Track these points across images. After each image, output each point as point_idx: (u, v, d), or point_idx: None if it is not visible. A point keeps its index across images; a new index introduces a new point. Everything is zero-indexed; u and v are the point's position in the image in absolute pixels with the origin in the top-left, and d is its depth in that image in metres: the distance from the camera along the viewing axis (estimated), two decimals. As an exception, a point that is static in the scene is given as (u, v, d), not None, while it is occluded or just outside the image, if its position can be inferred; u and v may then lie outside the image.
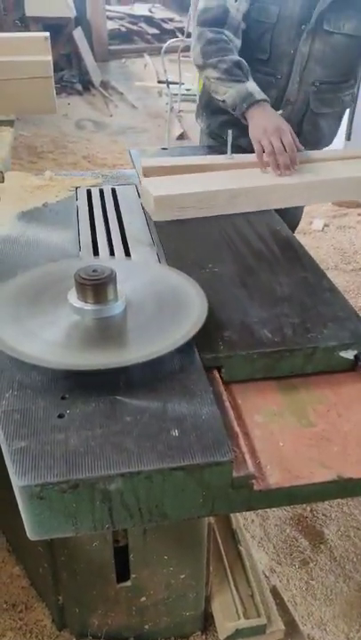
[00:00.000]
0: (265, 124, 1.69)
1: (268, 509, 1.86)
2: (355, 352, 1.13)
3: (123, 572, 1.36)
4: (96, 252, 1.46)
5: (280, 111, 1.82)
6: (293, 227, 2.22)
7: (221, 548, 1.54)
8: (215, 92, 1.80)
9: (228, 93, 1.75)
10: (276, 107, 1.87)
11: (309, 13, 1.75)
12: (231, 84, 1.74)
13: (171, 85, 4.79)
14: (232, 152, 1.76)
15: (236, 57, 1.75)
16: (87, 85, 6.63)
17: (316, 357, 1.12)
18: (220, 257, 1.40)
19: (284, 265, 1.38)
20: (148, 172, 1.67)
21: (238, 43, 1.80)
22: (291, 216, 1.70)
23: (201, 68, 1.81)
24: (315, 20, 1.75)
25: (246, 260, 1.40)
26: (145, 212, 1.66)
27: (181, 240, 1.48)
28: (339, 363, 1.13)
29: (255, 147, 1.69)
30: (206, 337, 1.10)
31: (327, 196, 1.83)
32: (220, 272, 1.34)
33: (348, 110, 2.15)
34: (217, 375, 1.09)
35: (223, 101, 1.78)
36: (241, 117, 1.75)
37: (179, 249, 1.43)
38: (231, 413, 1.01)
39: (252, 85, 1.74)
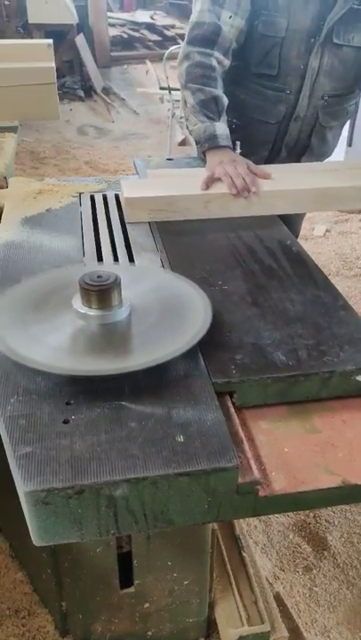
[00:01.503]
0: (222, 158, 1.66)
1: (271, 515, 1.85)
2: None
3: (126, 579, 1.36)
4: (100, 258, 1.46)
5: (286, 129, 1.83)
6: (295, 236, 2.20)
7: (225, 554, 1.53)
8: (186, 119, 1.77)
9: (196, 126, 1.71)
10: (285, 122, 1.88)
11: (320, 26, 1.72)
12: (202, 119, 1.69)
13: (172, 92, 4.81)
14: None
15: (215, 90, 1.70)
16: (89, 91, 6.66)
17: (333, 382, 1.07)
18: (229, 273, 1.36)
19: (296, 282, 1.34)
20: (132, 204, 1.61)
21: (228, 63, 1.76)
22: (290, 226, 1.68)
23: (182, 87, 1.78)
24: (325, 33, 1.72)
25: (256, 276, 1.36)
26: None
27: (189, 255, 1.44)
28: (356, 387, 1.08)
29: (207, 174, 1.64)
30: (218, 360, 1.07)
31: (307, 205, 1.74)
32: (230, 290, 1.30)
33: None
34: (228, 401, 1.04)
35: (190, 131, 1.75)
36: (201, 154, 1.74)
37: (186, 265, 1.38)
38: (236, 419, 1.01)
39: (221, 127, 1.70)
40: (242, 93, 1.88)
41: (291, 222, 1.73)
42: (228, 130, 1.72)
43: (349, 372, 1.07)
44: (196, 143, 1.74)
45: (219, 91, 1.71)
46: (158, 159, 2.08)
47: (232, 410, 1.03)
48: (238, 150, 1.71)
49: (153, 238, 1.55)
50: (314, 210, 1.83)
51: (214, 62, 1.71)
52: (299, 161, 1.98)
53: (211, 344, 1.10)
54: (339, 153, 2.75)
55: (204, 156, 1.71)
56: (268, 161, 1.91)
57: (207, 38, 1.70)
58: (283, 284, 1.33)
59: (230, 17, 1.70)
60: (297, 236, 2.27)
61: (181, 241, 1.50)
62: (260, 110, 1.86)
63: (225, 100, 1.73)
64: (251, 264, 1.40)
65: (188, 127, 1.78)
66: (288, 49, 1.76)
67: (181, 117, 4.84)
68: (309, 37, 1.73)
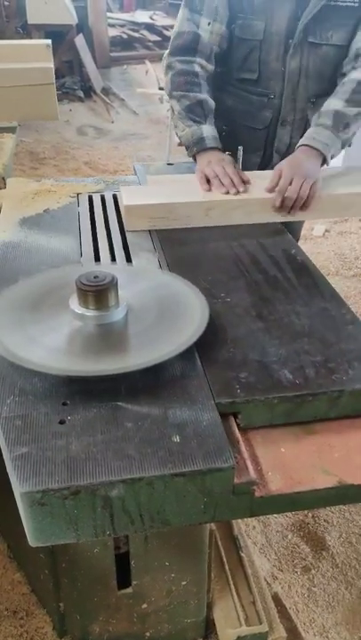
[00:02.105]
0: (210, 159, 1.66)
1: (269, 516, 1.85)
2: None
3: (124, 579, 1.36)
4: (97, 258, 1.46)
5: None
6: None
7: (223, 554, 1.53)
8: (175, 126, 1.78)
9: (184, 132, 1.72)
10: (272, 128, 1.84)
11: (296, 26, 1.67)
12: (188, 123, 1.70)
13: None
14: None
15: (200, 95, 1.71)
16: (89, 92, 6.66)
17: (342, 402, 1.03)
18: (232, 284, 1.32)
19: (302, 293, 1.30)
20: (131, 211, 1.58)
21: (211, 67, 1.75)
22: (290, 231, 1.65)
23: (168, 96, 1.79)
24: (299, 32, 1.67)
25: (260, 287, 1.32)
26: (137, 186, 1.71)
27: (190, 265, 1.39)
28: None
29: (197, 175, 1.66)
30: (222, 379, 1.03)
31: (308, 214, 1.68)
32: (234, 302, 1.26)
33: None
34: (233, 422, 1.00)
35: (180, 138, 1.76)
36: (192, 158, 1.73)
37: (188, 276, 1.31)
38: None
39: (207, 129, 1.70)
40: (228, 99, 1.85)
41: (291, 227, 1.70)
42: (215, 132, 1.71)
43: (359, 392, 1.02)
44: (186, 148, 1.74)
45: (204, 94, 1.71)
46: (158, 163, 2.06)
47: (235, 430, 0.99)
48: (240, 155, 1.68)
49: (151, 239, 1.55)
50: (318, 217, 1.81)
51: (197, 68, 1.72)
52: None
53: (214, 361, 1.07)
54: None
55: (194, 159, 1.71)
56: (261, 167, 1.88)
57: (187, 47, 1.72)
58: (288, 295, 1.29)
59: (209, 24, 1.69)
60: (297, 240, 2.22)
61: (182, 250, 1.47)
62: (246, 116, 1.83)
63: (211, 103, 1.72)
64: (254, 274, 1.37)
65: (177, 134, 1.78)
66: (267, 52, 1.73)
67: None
68: (287, 39, 1.69)
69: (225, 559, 1.52)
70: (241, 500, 0.90)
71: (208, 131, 1.70)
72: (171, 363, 1.03)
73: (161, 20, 9.72)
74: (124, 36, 9.04)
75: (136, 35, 9.12)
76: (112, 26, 8.85)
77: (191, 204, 1.57)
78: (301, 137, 1.78)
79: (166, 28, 9.26)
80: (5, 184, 1.91)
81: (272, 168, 1.74)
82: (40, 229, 1.58)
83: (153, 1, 11.03)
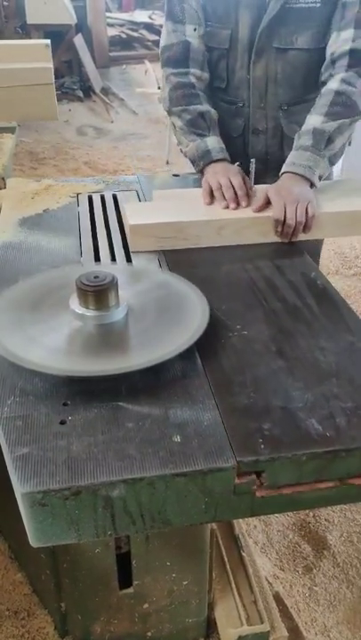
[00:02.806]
0: (217, 170, 1.60)
1: (270, 515, 1.85)
2: None
3: (125, 579, 1.36)
4: (97, 258, 1.46)
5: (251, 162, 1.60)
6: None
7: (224, 554, 1.53)
8: (179, 142, 1.72)
9: (189, 147, 1.66)
10: (244, 136, 1.79)
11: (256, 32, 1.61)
12: (192, 138, 1.65)
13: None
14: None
15: (201, 106, 1.66)
16: (88, 92, 6.66)
17: None
18: (249, 314, 1.21)
19: (326, 325, 1.18)
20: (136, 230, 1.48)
21: (207, 76, 1.71)
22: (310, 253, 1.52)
23: (168, 113, 1.74)
24: (259, 38, 1.60)
25: (280, 318, 1.20)
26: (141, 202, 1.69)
27: (201, 291, 1.24)
28: None
29: (203, 186, 1.59)
30: (242, 431, 0.92)
31: (323, 231, 1.57)
32: (251, 335, 1.15)
33: None
34: (255, 481, 0.89)
35: (185, 154, 1.70)
36: (199, 173, 1.67)
37: None
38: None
39: (212, 141, 1.64)
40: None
41: (310, 249, 1.57)
42: (221, 143, 1.66)
43: None
44: (192, 163, 1.68)
45: (204, 106, 1.67)
46: (163, 175, 1.95)
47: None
48: (253, 168, 1.56)
49: (158, 261, 1.53)
50: (338, 235, 1.65)
51: (192, 79, 1.68)
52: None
53: (234, 408, 0.97)
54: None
55: (202, 174, 1.65)
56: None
57: (179, 58, 1.68)
58: (311, 327, 1.18)
59: (195, 29, 1.66)
60: (318, 259, 2.06)
61: (192, 273, 1.32)
62: (223, 123, 1.75)
63: (213, 113, 1.68)
64: (273, 302, 1.26)
65: (182, 150, 1.72)
66: (234, 60, 1.68)
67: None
68: (251, 46, 1.63)
69: (226, 559, 1.52)
70: (242, 499, 0.90)
71: (213, 142, 1.64)
72: (171, 362, 1.03)
73: (160, 19, 9.70)
74: (123, 36, 9.04)
75: (135, 34, 9.12)
76: (111, 25, 8.85)
77: (201, 222, 1.48)
78: (279, 145, 1.77)
79: (165, 27, 9.25)
80: (5, 184, 1.91)
81: (260, 177, 1.67)
82: (40, 229, 1.58)
83: (152, 0, 11.02)
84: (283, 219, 1.46)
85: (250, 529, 1.83)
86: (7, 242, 1.52)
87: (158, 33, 8.53)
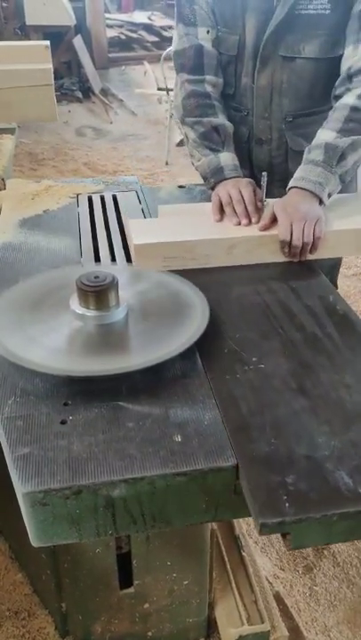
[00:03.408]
0: (228, 186, 1.51)
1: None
2: None
3: (126, 579, 1.36)
4: (97, 259, 1.46)
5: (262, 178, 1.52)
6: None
7: (224, 554, 1.53)
8: (191, 155, 1.64)
9: (201, 161, 1.58)
10: (248, 145, 1.72)
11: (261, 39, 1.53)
12: (205, 152, 1.57)
13: (170, 92, 4.82)
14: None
15: (215, 119, 1.58)
16: (87, 93, 6.66)
17: None
18: (265, 345, 1.12)
19: (349, 358, 1.09)
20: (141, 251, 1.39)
21: (221, 81, 1.64)
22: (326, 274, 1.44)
23: (180, 123, 1.65)
24: (264, 45, 1.52)
25: (299, 349, 1.12)
26: (145, 217, 1.67)
27: (213, 318, 1.16)
28: None
29: (212, 199, 1.52)
30: (264, 486, 0.83)
31: (333, 250, 1.48)
32: (269, 370, 1.06)
33: None
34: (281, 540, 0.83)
35: (196, 168, 1.62)
36: (209, 190, 1.59)
37: (210, 332, 1.12)
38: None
39: (225, 158, 1.56)
40: None
41: (325, 269, 1.48)
42: (235, 159, 1.58)
43: None
44: (204, 179, 1.60)
45: (219, 118, 1.59)
46: (168, 187, 1.88)
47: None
48: (265, 181, 1.49)
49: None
50: (350, 254, 1.52)
51: (208, 88, 1.61)
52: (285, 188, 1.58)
53: (253, 458, 0.88)
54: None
55: (213, 191, 1.56)
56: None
57: (193, 64, 1.60)
58: (333, 360, 1.09)
59: (208, 32, 1.58)
60: (336, 279, 2.00)
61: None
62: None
63: (228, 126, 1.60)
64: (290, 331, 1.17)
65: (193, 164, 1.64)
66: (241, 67, 1.60)
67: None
68: (256, 53, 1.55)
69: (226, 558, 1.52)
70: (242, 499, 0.90)
71: (227, 159, 1.56)
72: (172, 362, 1.03)
73: (159, 20, 9.72)
74: (123, 37, 9.04)
75: (134, 35, 9.12)
76: (110, 27, 8.86)
77: (211, 241, 1.40)
78: (283, 157, 1.68)
79: (164, 28, 9.27)
80: (5, 185, 1.91)
81: (267, 188, 1.59)
82: (40, 230, 1.58)
83: (151, 1, 11.04)
84: (289, 239, 1.38)
85: (250, 529, 1.83)
86: (7, 242, 1.52)
87: (157, 34, 8.54)
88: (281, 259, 1.43)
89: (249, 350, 1.11)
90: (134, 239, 1.38)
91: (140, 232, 1.42)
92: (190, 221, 1.47)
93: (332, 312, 1.24)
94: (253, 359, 1.09)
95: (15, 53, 3.07)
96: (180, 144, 5.23)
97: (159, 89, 5.63)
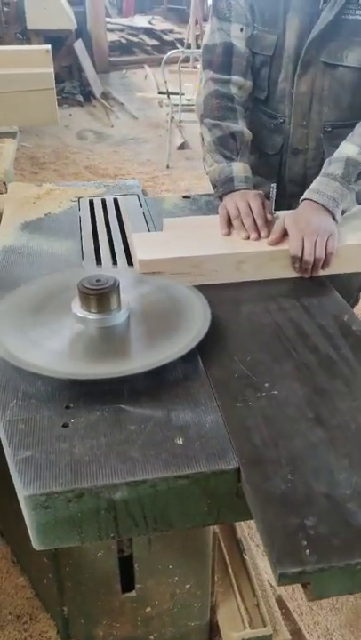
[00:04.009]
0: (235, 198, 1.45)
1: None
2: None
3: (128, 582, 1.36)
4: (99, 262, 1.47)
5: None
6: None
7: (226, 557, 1.53)
8: (203, 159, 1.58)
9: (212, 167, 1.51)
10: (281, 155, 1.64)
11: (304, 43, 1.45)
12: (218, 159, 1.50)
13: (171, 96, 4.83)
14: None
15: (234, 125, 1.51)
16: (88, 96, 6.68)
17: None
18: (277, 369, 1.07)
19: None
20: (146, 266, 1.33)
21: (250, 84, 1.55)
22: (343, 290, 1.38)
23: (199, 122, 1.59)
24: (307, 49, 1.45)
25: (313, 373, 1.06)
26: (147, 221, 1.67)
27: (222, 339, 1.14)
28: None
29: (220, 212, 1.45)
30: (282, 530, 0.76)
31: (348, 265, 1.41)
32: (283, 396, 1.00)
33: None
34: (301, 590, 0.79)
35: (207, 173, 1.56)
36: (217, 199, 1.54)
37: (219, 353, 1.10)
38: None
39: (238, 168, 1.48)
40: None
41: (343, 284, 1.40)
42: (248, 170, 1.51)
43: None
44: (213, 187, 1.54)
45: (238, 124, 1.52)
46: (172, 197, 1.84)
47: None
48: (273, 194, 1.45)
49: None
50: (347, 270, 1.44)
51: (233, 90, 1.53)
52: None
53: (269, 498, 0.81)
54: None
55: (221, 200, 1.51)
56: (278, 199, 1.52)
57: (221, 62, 1.52)
58: (350, 386, 1.03)
59: (242, 29, 1.50)
60: (354, 303, 1.84)
61: (214, 326, 1.15)
62: (259, 138, 1.62)
63: (247, 134, 1.53)
64: (303, 353, 1.11)
65: (205, 167, 1.57)
66: (277, 70, 1.53)
67: (181, 122, 4.87)
68: (297, 57, 1.48)
69: (228, 562, 1.52)
70: (244, 502, 0.90)
71: (239, 170, 1.49)
72: (173, 365, 1.03)
73: (160, 24, 9.77)
74: (123, 41, 9.08)
75: (135, 39, 9.16)
76: (111, 31, 8.89)
77: (219, 256, 1.34)
78: (319, 168, 1.56)
79: (165, 32, 9.32)
80: (7, 189, 1.92)
81: (287, 198, 1.58)
82: (42, 233, 1.59)
83: (152, 5, 11.07)
84: (300, 254, 1.33)
85: (252, 532, 1.83)
86: (9, 246, 1.52)
87: (158, 38, 8.60)
88: (292, 274, 1.37)
89: (261, 374, 1.05)
90: (139, 254, 1.33)
91: (145, 247, 1.36)
92: (197, 235, 1.41)
93: (348, 333, 1.18)
94: (266, 384, 1.03)
95: (16, 58, 3.08)
96: (182, 147, 5.24)
97: (160, 92, 5.66)
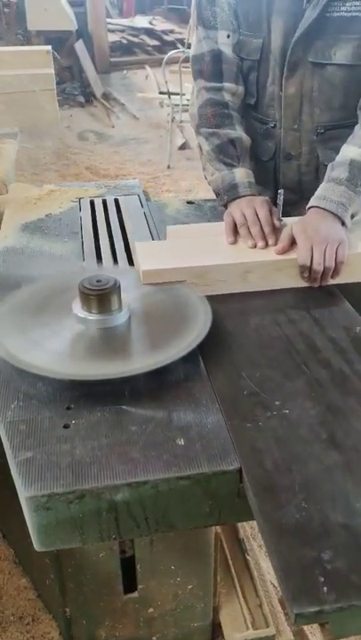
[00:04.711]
0: (241, 204, 1.41)
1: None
2: None
3: (130, 583, 1.35)
4: (100, 262, 1.46)
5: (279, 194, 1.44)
6: None
7: (229, 557, 1.53)
8: (204, 169, 1.55)
9: (214, 176, 1.48)
10: (275, 161, 1.61)
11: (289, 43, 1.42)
12: (219, 167, 1.47)
13: (172, 96, 4.83)
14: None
15: (232, 131, 1.48)
16: (89, 97, 6.69)
17: None
18: (288, 385, 1.02)
19: None
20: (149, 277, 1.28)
21: (242, 90, 1.53)
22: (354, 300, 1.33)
23: (195, 132, 1.56)
24: (292, 50, 1.41)
25: (326, 390, 1.01)
26: (148, 222, 1.67)
27: (229, 354, 1.10)
28: None
29: (225, 219, 1.41)
30: (297, 565, 0.71)
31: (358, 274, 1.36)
32: (294, 416, 0.95)
33: None
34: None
35: (209, 182, 1.53)
36: (222, 207, 1.50)
37: (226, 369, 1.06)
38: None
39: (241, 174, 1.45)
40: None
41: (354, 293, 1.36)
42: (250, 176, 1.48)
43: None
44: (216, 195, 1.51)
45: (236, 130, 1.49)
46: (175, 202, 1.80)
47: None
48: (281, 200, 1.42)
49: (152, 238, 1.55)
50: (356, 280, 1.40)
51: (226, 96, 1.50)
52: None
53: (282, 529, 0.76)
54: None
55: (226, 208, 1.47)
56: (274, 204, 1.49)
57: (212, 70, 1.50)
58: None
59: (228, 36, 1.48)
60: None
61: (216, 328, 1.14)
62: (252, 145, 1.56)
63: (245, 140, 1.50)
64: (315, 368, 1.07)
65: (205, 177, 1.55)
66: (265, 74, 1.50)
67: (181, 122, 4.87)
68: (283, 59, 1.44)
69: (231, 562, 1.52)
70: (246, 502, 0.89)
71: (242, 176, 1.46)
72: (174, 365, 1.03)
73: (160, 24, 9.77)
74: (124, 42, 9.08)
75: (136, 40, 9.16)
76: (112, 31, 8.89)
77: (226, 266, 1.30)
78: (314, 173, 1.57)
79: (166, 32, 9.32)
80: (7, 189, 1.92)
81: (292, 207, 1.54)
82: (42, 234, 1.59)
83: (152, 6, 11.08)
84: (309, 263, 1.29)
85: (254, 532, 1.82)
86: (10, 247, 1.52)
87: (159, 38, 8.60)
88: (300, 284, 1.33)
89: (271, 392, 1.01)
90: (142, 264, 1.28)
91: (148, 256, 1.31)
92: (202, 244, 1.37)
93: (360, 345, 1.14)
94: (276, 403, 0.98)
95: (17, 58, 3.09)
96: (182, 147, 5.24)
97: (161, 93, 5.66)
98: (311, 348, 1.13)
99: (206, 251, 1.34)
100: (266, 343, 1.15)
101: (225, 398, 0.99)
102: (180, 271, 1.27)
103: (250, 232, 1.36)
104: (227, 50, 1.49)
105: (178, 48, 7.00)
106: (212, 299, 1.22)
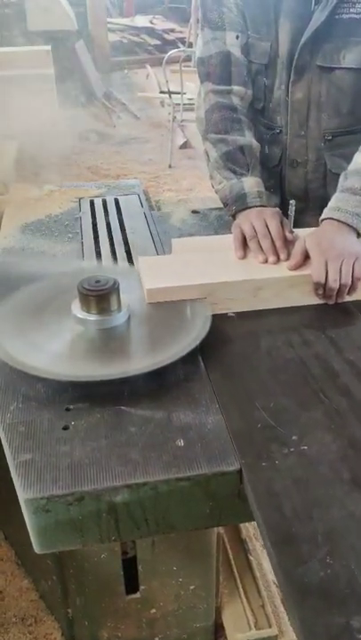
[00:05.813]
0: (251, 216, 1.35)
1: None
2: None
3: (132, 584, 1.35)
4: (100, 262, 1.46)
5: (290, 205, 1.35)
6: None
7: (231, 558, 1.52)
8: (211, 177, 1.48)
9: (222, 184, 1.42)
10: (280, 169, 1.56)
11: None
12: (227, 175, 1.41)
13: (173, 95, 4.82)
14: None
15: (241, 138, 1.42)
16: (90, 97, 6.68)
17: None
18: (305, 417, 0.94)
19: None
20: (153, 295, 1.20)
21: (250, 93, 1.48)
22: None
23: (202, 138, 1.50)
24: (300, 54, 1.37)
25: (346, 421, 0.93)
26: (148, 222, 1.66)
27: (240, 381, 1.03)
28: None
29: (234, 232, 1.34)
30: (323, 631, 0.63)
31: None
32: (314, 452, 0.87)
33: None
34: None
35: (216, 191, 1.47)
36: (230, 217, 1.44)
37: (238, 398, 0.99)
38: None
39: (250, 183, 1.39)
40: None
41: None
42: (260, 185, 1.41)
43: None
44: (224, 205, 1.45)
45: (246, 137, 1.43)
46: (181, 211, 1.73)
47: None
48: (293, 211, 1.33)
49: (153, 241, 1.55)
50: None
51: (235, 100, 1.45)
52: None
53: (304, 586, 0.68)
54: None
55: (234, 218, 1.41)
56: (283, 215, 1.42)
57: (220, 73, 1.44)
58: None
59: (237, 37, 1.42)
60: None
61: (224, 352, 1.10)
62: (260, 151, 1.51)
63: (255, 146, 1.44)
64: (333, 397, 0.99)
65: (213, 186, 1.48)
66: (272, 78, 1.45)
67: (182, 121, 4.86)
68: (290, 62, 1.40)
69: (233, 563, 1.52)
70: (247, 504, 0.89)
71: (251, 185, 1.39)
72: (174, 366, 1.03)
73: (161, 24, 9.78)
74: (125, 41, 9.09)
75: (136, 39, 9.17)
76: (112, 31, 8.90)
77: (235, 283, 1.22)
78: (321, 181, 1.52)
79: (166, 31, 9.32)
80: (7, 190, 1.92)
81: (301, 216, 1.49)
82: (42, 235, 1.58)
83: (152, 5, 11.07)
84: (324, 280, 1.21)
85: (257, 532, 1.82)
86: (10, 247, 1.52)
87: (159, 37, 8.59)
88: (314, 300, 1.25)
89: (287, 425, 0.92)
90: (146, 283, 1.21)
91: (152, 273, 1.24)
92: (209, 259, 1.29)
93: None
94: (293, 437, 0.90)
95: (17, 58, 3.09)
96: (184, 146, 5.24)
97: (161, 92, 5.65)
98: (328, 373, 1.05)
99: (214, 266, 1.26)
100: (280, 367, 1.07)
101: (237, 433, 0.91)
102: (187, 289, 1.20)
103: (260, 246, 1.29)
104: (236, 51, 1.44)
105: (178, 47, 7.01)
106: (219, 317, 1.17)
